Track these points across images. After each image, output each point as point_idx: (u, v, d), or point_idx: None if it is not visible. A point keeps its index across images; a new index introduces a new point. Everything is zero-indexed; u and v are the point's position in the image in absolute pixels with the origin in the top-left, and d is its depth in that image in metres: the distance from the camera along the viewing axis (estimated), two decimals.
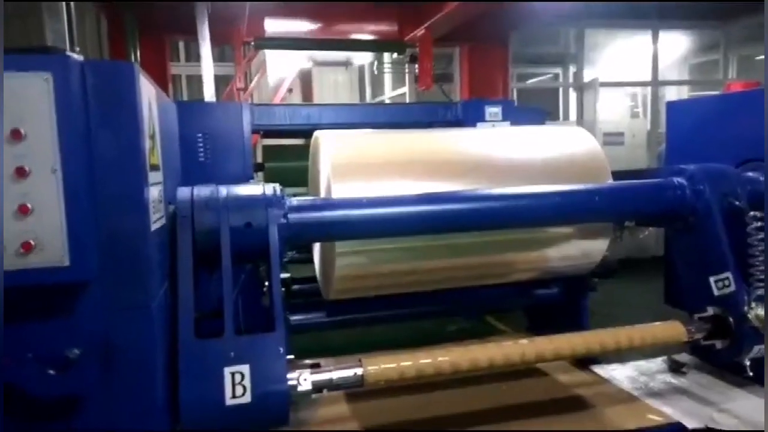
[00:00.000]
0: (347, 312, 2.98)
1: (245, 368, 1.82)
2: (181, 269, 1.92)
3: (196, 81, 7.02)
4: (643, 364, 3.11)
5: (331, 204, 2.28)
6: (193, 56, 7.50)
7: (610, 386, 2.87)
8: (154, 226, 1.70)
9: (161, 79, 6.55)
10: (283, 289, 2.88)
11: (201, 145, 3.85)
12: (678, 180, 2.63)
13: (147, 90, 1.71)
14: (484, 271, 2.81)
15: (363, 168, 2.53)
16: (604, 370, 3.03)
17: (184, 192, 2.05)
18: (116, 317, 1.59)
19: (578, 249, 2.81)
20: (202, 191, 2.06)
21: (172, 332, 1.86)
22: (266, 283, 2.18)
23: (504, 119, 4.33)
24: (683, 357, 3.09)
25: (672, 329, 2.46)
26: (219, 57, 8.36)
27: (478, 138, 2.98)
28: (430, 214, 2.30)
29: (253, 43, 6.04)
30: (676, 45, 10.40)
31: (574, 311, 3.22)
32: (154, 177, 1.74)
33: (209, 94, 5.35)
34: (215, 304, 1.99)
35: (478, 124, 4.28)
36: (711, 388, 2.78)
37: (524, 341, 2.29)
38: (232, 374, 1.81)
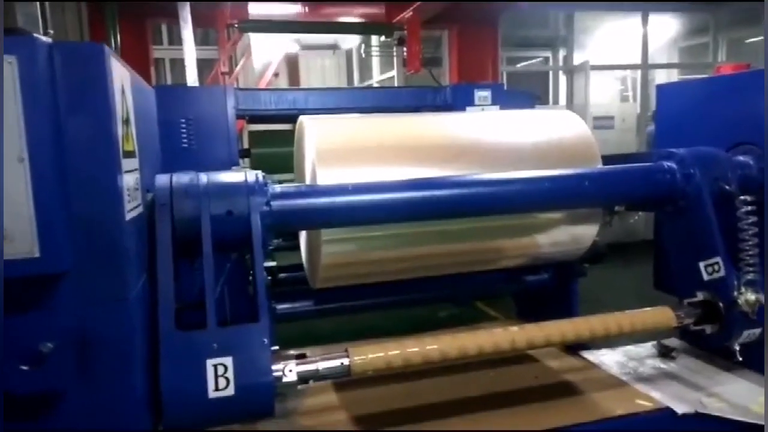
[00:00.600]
0: (335, 300, 2.94)
1: (228, 360, 1.77)
2: (161, 259, 1.86)
3: (179, 65, 6.88)
4: (633, 349, 3.10)
5: (315, 191, 2.23)
6: (177, 39, 7.34)
7: (600, 371, 2.86)
8: (130, 215, 1.64)
9: (143, 64, 6.41)
10: (269, 277, 2.86)
11: (184, 130, 3.79)
12: (668, 164, 2.59)
13: (120, 73, 1.64)
14: (473, 258, 2.77)
15: (349, 153, 2.47)
16: (593, 356, 3.02)
17: (162, 179, 1.98)
18: (92, 310, 1.53)
19: (568, 234, 2.78)
20: (182, 178, 2.00)
21: (153, 324, 1.81)
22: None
23: (493, 103, 4.29)
24: (672, 342, 3.08)
25: (661, 315, 2.44)
26: (203, 40, 8.22)
27: (467, 122, 2.92)
28: (417, 201, 2.24)
29: (237, 26, 5.91)
30: (665, 28, 10.36)
31: (563, 297, 3.20)
32: (129, 164, 1.67)
33: (192, 78, 5.24)
34: (198, 295, 1.94)
35: (468, 109, 4.24)
36: (700, 373, 2.77)
37: (514, 328, 2.26)
38: (215, 366, 1.76)
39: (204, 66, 8.20)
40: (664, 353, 2.99)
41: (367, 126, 2.76)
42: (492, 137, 2.75)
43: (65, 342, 1.49)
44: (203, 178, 2.02)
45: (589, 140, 2.78)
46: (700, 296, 2.50)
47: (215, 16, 5.85)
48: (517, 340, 2.20)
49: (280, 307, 2.88)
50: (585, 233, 2.80)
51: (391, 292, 3.00)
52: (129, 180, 1.66)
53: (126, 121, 1.67)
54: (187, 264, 2.07)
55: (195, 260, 2.02)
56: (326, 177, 2.31)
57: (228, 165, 3.88)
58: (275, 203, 2.08)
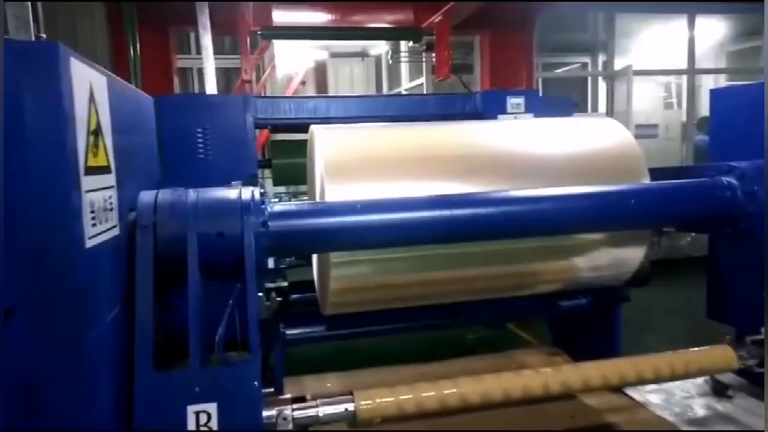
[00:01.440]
0: (351, 325, 2.69)
1: (212, 407, 1.55)
2: (139, 290, 1.64)
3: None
4: (683, 385, 2.77)
5: (318, 210, 1.98)
6: None
7: (645, 411, 2.56)
8: (95, 240, 1.42)
9: (165, 73, 6.31)
10: (279, 299, 2.63)
11: (201, 140, 3.64)
12: (727, 179, 2.30)
13: (87, 76, 1.43)
14: (500, 284, 2.48)
15: (362, 166, 2.23)
16: (637, 392, 2.71)
17: (146, 197, 1.77)
18: (43, 354, 1.31)
19: (610, 258, 2.47)
20: (167, 195, 1.78)
21: (130, 361, 1.59)
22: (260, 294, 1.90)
23: (527, 111, 4.01)
24: (728, 377, 2.74)
25: (720, 354, 2.13)
26: (232, 49, 8.14)
27: (497, 131, 2.65)
28: (437, 221, 1.98)
29: (259, 33, 5.76)
30: (713, 32, 9.85)
31: (604, 324, 2.89)
32: (97, 181, 1.45)
33: (211, 86, 5.10)
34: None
35: (499, 117, 3.97)
36: (760, 415, 2.43)
37: (547, 370, 1.97)
38: (197, 414, 1.54)
39: (232, 74, 8.12)
40: (719, 391, 2.67)
41: (383, 136, 2.51)
42: (524, 148, 2.47)
43: (11, 390, 1.27)
44: (192, 195, 1.80)
45: (634, 151, 2.48)
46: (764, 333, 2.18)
47: (237, 23, 5.73)
48: (550, 383, 1.90)
49: (292, 332, 2.64)
50: (630, 256, 2.49)
51: (413, 317, 2.73)
52: (96, 199, 1.44)
53: (94, 132, 1.45)
54: (177, 290, 1.85)
55: (184, 287, 1.80)
56: (335, 193, 2.07)
57: (246, 176, 3.71)
58: (273, 223, 1.85)
